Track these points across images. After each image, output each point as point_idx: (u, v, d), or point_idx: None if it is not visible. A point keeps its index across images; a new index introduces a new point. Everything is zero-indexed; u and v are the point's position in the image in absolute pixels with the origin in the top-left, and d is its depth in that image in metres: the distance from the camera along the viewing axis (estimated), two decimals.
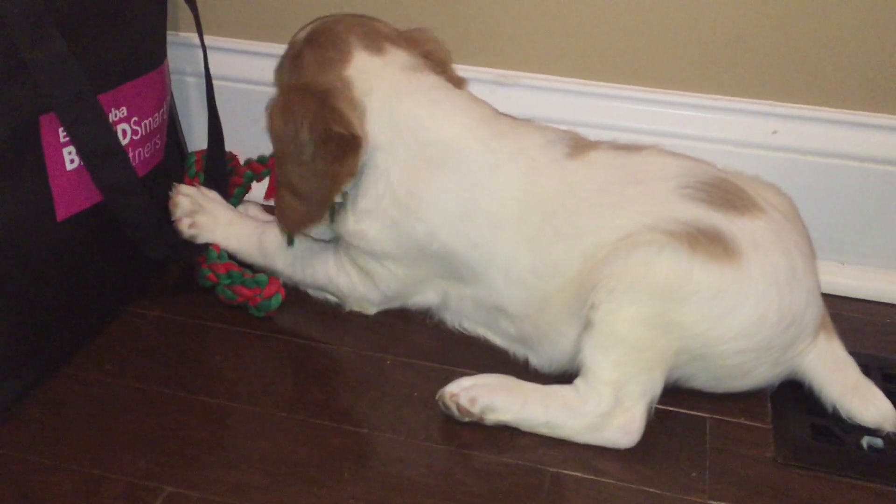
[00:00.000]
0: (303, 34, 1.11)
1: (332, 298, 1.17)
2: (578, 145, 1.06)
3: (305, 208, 1.06)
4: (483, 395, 0.97)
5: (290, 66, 1.09)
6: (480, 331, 1.12)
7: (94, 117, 0.96)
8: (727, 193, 0.99)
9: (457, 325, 1.13)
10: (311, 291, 1.18)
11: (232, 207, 1.23)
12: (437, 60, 1.11)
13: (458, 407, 0.98)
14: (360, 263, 1.12)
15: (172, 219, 1.17)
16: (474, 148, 1.04)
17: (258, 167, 1.32)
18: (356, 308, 1.16)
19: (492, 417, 0.98)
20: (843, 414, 0.99)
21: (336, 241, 1.15)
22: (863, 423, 0.99)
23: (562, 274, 1.01)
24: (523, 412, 0.97)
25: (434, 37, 1.12)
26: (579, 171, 1.03)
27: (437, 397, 0.99)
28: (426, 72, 1.08)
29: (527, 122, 1.10)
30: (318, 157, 1.03)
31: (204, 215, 1.18)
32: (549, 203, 1.02)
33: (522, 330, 1.06)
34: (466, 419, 0.98)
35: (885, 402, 0.99)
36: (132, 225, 1.05)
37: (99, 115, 0.96)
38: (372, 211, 1.07)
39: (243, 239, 1.18)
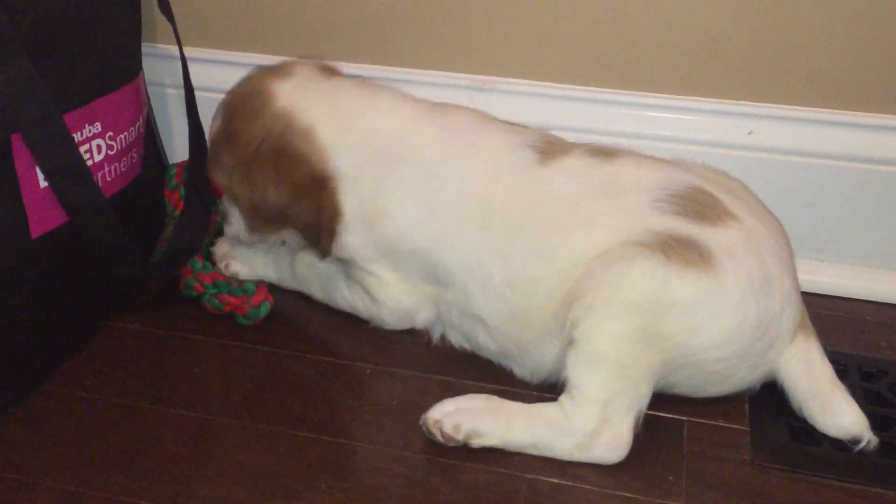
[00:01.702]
0: (216, 124, 1.12)
1: None
2: (550, 150, 1.05)
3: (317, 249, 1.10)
4: (467, 421, 0.96)
5: (223, 146, 1.10)
6: (466, 344, 1.12)
7: (60, 138, 0.95)
8: (700, 205, 0.98)
9: (449, 341, 1.13)
10: None
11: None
12: (329, 69, 1.15)
13: (443, 434, 0.95)
14: (359, 280, 1.13)
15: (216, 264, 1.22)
16: (421, 141, 1.06)
17: None
18: (379, 325, 1.16)
19: (477, 442, 0.96)
20: (807, 418, 0.99)
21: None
22: (824, 432, 0.98)
23: (540, 291, 1.00)
24: (509, 435, 0.96)
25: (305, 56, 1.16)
26: (550, 182, 1.02)
27: (420, 423, 0.97)
28: (336, 75, 1.13)
29: (486, 116, 1.10)
30: (301, 216, 1.06)
31: (235, 256, 1.21)
32: (517, 212, 1.01)
33: (503, 346, 1.06)
34: (451, 444, 0.96)
35: (849, 415, 0.97)
36: (98, 245, 1.04)
37: (64, 135, 0.96)
38: (349, 223, 1.08)
39: (280, 268, 1.21)
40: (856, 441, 0.97)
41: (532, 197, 1.01)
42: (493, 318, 1.04)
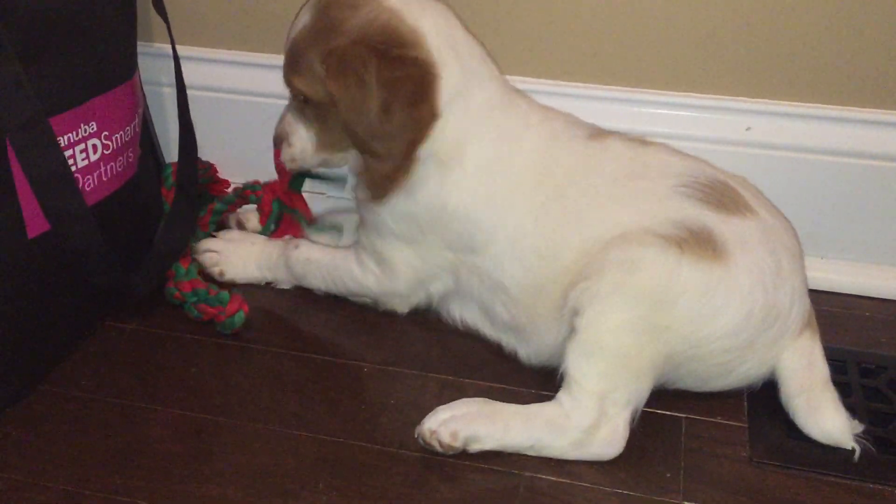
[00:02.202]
0: (302, 21, 1.02)
1: (368, 302, 1.18)
2: (596, 131, 1.08)
3: (389, 166, 1.02)
4: (464, 427, 0.95)
5: (315, 40, 1.00)
6: (478, 320, 1.12)
7: (45, 143, 0.95)
8: (721, 195, 1.00)
9: (456, 318, 1.13)
10: (351, 298, 1.19)
11: (255, 239, 1.24)
12: None
13: (440, 443, 0.95)
14: (377, 248, 1.11)
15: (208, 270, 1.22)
16: (514, 106, 1.06)
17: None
18: (389, 307, 1.16)
19: (475, 447, 0.95)
20: (791, 415, 0.99)
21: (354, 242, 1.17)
22: (806, 433, 0.98)
23: (560, 262, 1.01)
24: (507, 438, 0.95)
25: None
26: (596, 154, 1.04)
27: (416, 435, 0.96)
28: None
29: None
30: (394, 105, 0.97)
31: (228, 259, 1.22)
32: (562, 177, 1.03)
33: (516, 317, 1.06)
34: (450, 453, 0.95)
35: (834, 420, 0.97)
36: (78, 254, 1.02)
37: (50, 141, 0.95)
38: (425, 158, 1.03)
39: (274, 269, 1.21)
40: (837, 448, 0.96)
41: (577, 165, 1.03)
42: (514, 288, 1.04)
